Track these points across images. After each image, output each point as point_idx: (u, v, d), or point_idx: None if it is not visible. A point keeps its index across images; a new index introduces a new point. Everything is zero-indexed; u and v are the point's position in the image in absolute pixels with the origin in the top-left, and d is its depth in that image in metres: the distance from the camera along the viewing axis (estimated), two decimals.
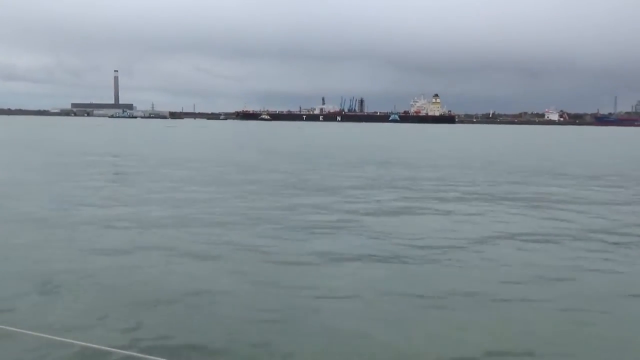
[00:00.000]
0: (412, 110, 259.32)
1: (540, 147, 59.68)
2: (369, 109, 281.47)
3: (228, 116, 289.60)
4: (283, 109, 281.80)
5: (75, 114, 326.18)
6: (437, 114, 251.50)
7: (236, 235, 12.20)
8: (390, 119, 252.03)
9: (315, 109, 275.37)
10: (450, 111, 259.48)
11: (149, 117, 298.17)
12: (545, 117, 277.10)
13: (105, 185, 20.72)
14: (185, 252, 10.62)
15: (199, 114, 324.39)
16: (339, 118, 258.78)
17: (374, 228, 13.26)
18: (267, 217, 14.38)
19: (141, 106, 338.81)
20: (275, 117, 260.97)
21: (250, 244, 11.32)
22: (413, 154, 43.39)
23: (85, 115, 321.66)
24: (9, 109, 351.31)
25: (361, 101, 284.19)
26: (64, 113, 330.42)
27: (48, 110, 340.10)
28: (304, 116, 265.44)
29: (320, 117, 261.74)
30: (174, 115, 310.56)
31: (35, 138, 60.42)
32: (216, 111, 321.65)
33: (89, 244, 11.20)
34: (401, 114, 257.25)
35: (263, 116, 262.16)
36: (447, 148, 52.88)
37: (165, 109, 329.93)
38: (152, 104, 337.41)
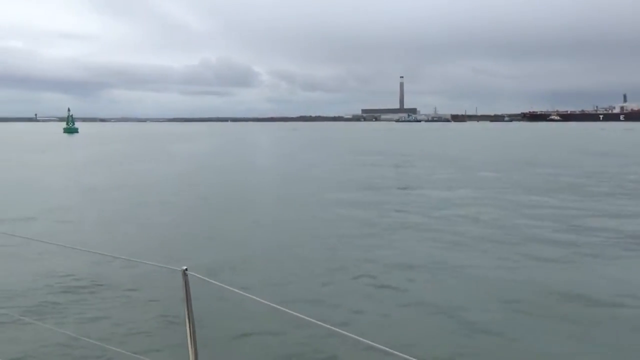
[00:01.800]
0: None
1: None
2: None
3: (513, 118, 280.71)
4: (575, 108, 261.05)
5: (364, 119, 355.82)
6: None
7: None
8: None
9: (614, 108, 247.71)
10: None
11: (432, 120, 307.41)
12: None
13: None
14: None
15: (481, 116, 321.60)
16: None
17: None
18: None
19: (424, 110, 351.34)
20: (567, 117, 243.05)
21: None
22: None
23: (373, 120, 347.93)
24: (310, 116, 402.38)
25: None
26: (355, 118, 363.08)
27: (342, 116, 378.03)
28: (601, 116, 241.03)
29: (621, 117, 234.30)
30: (456, 118, 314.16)
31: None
32: (499, 113, 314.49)
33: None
34: None
35: (552, 117, 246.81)
36: None
37: (447, 112, 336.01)
38: (435, 108, 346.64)
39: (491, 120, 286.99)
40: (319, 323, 2.56)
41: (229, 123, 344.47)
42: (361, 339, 2.54)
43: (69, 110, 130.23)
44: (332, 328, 2.59)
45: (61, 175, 30.88)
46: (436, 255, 12.15)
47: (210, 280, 2.81)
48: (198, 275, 2.75)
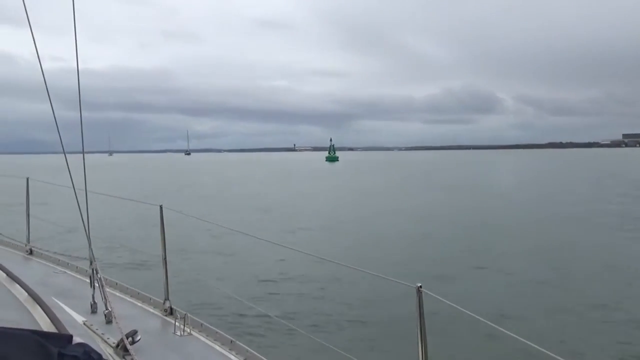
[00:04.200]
0: None
1: None
2: None
3: None
4: None
5: (626, 145, 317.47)
6: None
7: None
8: None
9: None
10: None
11: None
12: None
13: None
14: None
15: None
16: None
17: None
18: None
19: None
20: None
21: None
22: None
23: (637, 145, 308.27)
24: (560, 142, 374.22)
25: None
26: (614, 144, 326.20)
27: (597, 142, 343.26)
28: None
29: None
30: None
31: None
32: None
33: None
34: None
35: None
36: None
37: None
38: None
39: None
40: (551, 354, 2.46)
41: (471, 151, 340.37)
42: None
43: (330, 140, 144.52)
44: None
45: (347, 201, 34.01)
46: None
47: (443, 299, 2.76)
48: (431, 293, 2.76)
